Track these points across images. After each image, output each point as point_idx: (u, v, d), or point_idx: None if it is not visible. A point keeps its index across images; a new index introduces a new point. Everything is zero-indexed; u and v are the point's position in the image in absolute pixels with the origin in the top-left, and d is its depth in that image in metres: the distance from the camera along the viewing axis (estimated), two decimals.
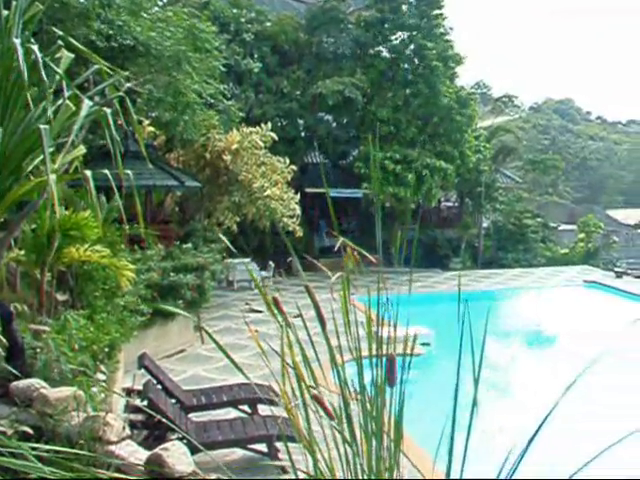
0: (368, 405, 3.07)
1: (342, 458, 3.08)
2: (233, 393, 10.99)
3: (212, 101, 19.87)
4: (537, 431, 3.00)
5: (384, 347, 3.16)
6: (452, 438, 3.02)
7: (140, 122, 18.90)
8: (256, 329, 15.11)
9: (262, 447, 9.54)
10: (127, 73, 11.30)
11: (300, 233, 20.91)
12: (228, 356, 3.23)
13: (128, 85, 9.32)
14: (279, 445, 9.18)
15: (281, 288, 20.93)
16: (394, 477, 3.11)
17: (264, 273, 23.96)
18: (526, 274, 30.65)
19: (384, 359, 3.12)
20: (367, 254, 3.51)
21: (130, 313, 11.91)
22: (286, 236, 21.35)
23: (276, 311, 3.20)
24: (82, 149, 7.34)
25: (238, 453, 9.87)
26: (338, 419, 3.09)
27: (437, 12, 29.94)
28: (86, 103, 6.08)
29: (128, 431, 5.99)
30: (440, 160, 28.42)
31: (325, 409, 3.05)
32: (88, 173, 6.52)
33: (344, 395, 3.08)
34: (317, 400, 3.05)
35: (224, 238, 5.50)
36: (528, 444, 3.00)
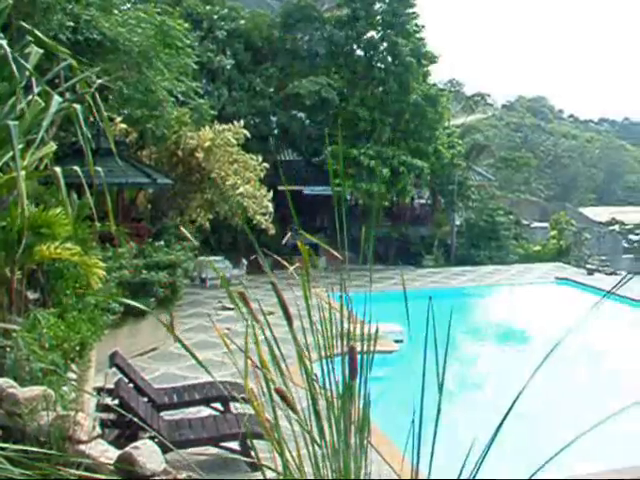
0: (335, 401, 3.07)
1: (311, 455, 3.07)
2: (205, 391, 10.96)
3: (183, 99, 19.78)
4: (501, 423, 3.01)
5: (350, 342, 3.16)
6: (419, 436, 3.03)
7: (112, 119, 18.77)
8: (228, 327, 15.06)
9: (235, 445, 9.53)
10: (97, 69, 11.21)
11: (273, 231, 20.85)
12: (193, 355, 3.22)
13: (99, 81, 9.24)
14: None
15: (254, 286, 20.92)
16: (361, 473, 3.11)
17: (236, 271, 23.92)
18: (499, 271, 30.83)
19: (348, 352, 3.12)
20: (332, 250, 3.49)
21: (101, 311, 11.84)
22: (259, 234, 21.29)
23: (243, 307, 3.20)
24: (52, 146, 7.28)
25: (211, 451, 9.84)
26: (299, 416, 3.08)
27: (410, 10, 29.92)
28: (55, 99, 6.03)
29: (99, 430, 5.95)
30: (416, 158, 28.48)
31: (288, 403, 3.04)
32: (58, 170, 6.47)
33: (311, 391, 3.07)
34: (280, 394, 3.04)
35: (187, 233, 5.38)
36: (493, 436, 3.01)
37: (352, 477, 3.09)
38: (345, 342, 3.19)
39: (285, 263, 3.67)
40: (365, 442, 3.15)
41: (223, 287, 23.02)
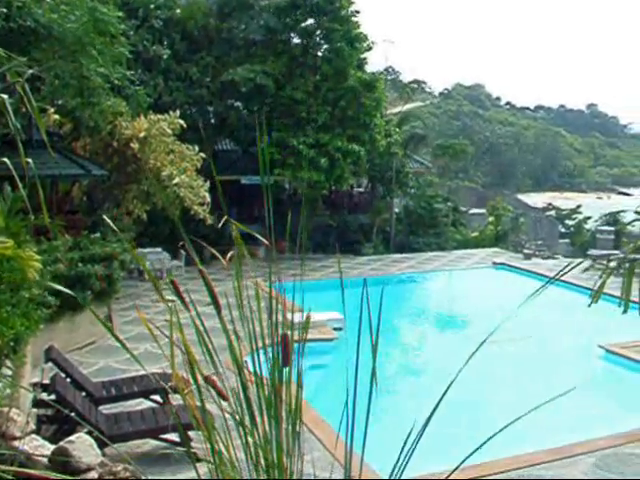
0: (266, 388, 3.08)
1: (243, 443, 3.08)
2: (144, 383, 10.88)
3: (119, 85, 19.53)
4: (435, 408, 3.06)
5: (283, 330, 3.18)
6: (353, 418, 3.07)
7: (45, 110, 18.46)
8: (167, 319, 14.96)
9: (176, 437, 9.49)
10: (25, 59, 10.99)
11: (210, 221, 20.71)
12: (127, 349, 3.21)
13: (30, 71, 9.05)
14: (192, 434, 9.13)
15: (193, 277, 20.76)
16: (294, 460, 3.12)
17: (175, 262, 23.75)
18: (437, 258, 31.10)
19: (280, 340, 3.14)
20: (263, 239, 3.50)
21: (36, 306, 11.63)
22: (197, 224, 21.17)
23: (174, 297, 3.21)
24: None
25: (151, 444, 9.79)
26: (229, 404, 3.09)
27: None
28: None
29: (33, 426, 5.88)
30: (352, 143, 28.45)
31: (217, 390, 3.05)
32: None
33: (241, 378, 3.08)
34: (209, 382, 3.05)
35: (110, 221, 5.25)
36: (427, 421, 3.06)
37: (284, 464, 3.11)
38: (276, 330, 3.19)
39: (216, 253, 3.66)
40: (297, 428, 3.16)
41: (163, 279, 22.83)
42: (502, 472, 9.38)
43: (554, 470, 9.57)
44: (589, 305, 5.59)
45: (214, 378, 3.06)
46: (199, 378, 3.05)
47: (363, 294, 3.14)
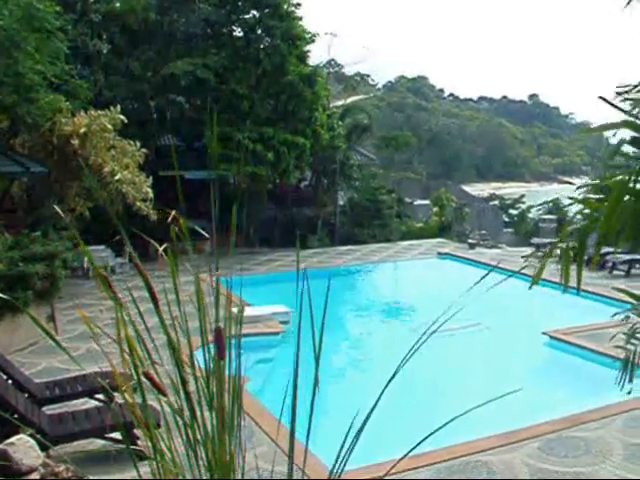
0: (203, 381, 3.07)
1: (184, 440, 3.06)
2: (88, 383, 10.75)
3: (58, 82, 19.23)
4: (377, 401, 3.08)
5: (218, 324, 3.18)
6: (294, 408, 3.08)
7: None
8: (112, 316, 14.79)
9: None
10: None
11: (155, 217, 20.44)
12: (63, 349, 3.17)
13: None
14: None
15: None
16: (235, 454, 3.12)
17: (120, 259, 23.51)
18: (382, 249, 31.24)
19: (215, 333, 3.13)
20: (203, 232, 3.50)
21: None
22: (142, 220, 20.94)
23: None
24: None
25: (97, 443, 9.68)
26: (168, 399, 3.08)
27: None
28: None
29: None
30: (296, 136, 28.40)
31: (156, 385, 3.03)
32: None
33: (180, 373, 3.06)
34: (148, 377, 3.02)
35: (57, 214, 5.08)
36: (369, 413, 3.08)
37: (227, 458, 3.10)
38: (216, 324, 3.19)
39: (156, 245, 3.62)
40: (237, 421, 3.15)
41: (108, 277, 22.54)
42: (448, 460, 9.48)
43: (499, 455, 9.70)
44: (529, 288, 5.68)
45: (152, 373, 3.04)
46: (139, 374, 3.03)
47: (298, 287, 3.17)
